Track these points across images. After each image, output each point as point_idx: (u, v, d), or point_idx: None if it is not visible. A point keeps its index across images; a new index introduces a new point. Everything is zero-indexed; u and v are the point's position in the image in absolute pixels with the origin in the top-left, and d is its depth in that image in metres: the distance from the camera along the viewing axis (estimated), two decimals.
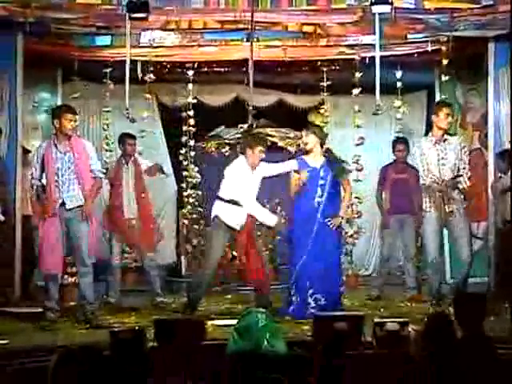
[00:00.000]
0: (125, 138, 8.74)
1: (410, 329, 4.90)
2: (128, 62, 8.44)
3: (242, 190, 7.63)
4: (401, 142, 9.39)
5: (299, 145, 10.56)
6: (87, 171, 7.38)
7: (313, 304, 7.48)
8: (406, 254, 9.15)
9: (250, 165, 7.72)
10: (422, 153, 7.80)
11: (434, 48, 9.48)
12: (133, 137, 8.81)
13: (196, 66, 10.18)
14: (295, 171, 7.68)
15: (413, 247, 9.11)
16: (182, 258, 10.44)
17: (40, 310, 7.59)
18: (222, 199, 7.75)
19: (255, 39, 8.86)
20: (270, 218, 7.82)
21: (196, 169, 10.51)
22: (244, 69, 9.47)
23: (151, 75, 9.83)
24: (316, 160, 7.74)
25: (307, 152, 7.78)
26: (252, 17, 8.20)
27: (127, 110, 8.63)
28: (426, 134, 10.78)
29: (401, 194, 9.03)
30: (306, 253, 7.55)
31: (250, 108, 9.11)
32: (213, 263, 7.83)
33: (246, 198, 7.64)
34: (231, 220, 7.71)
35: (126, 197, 8.52)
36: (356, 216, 10.40)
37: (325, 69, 10.43)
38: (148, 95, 10.19)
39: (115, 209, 8.48)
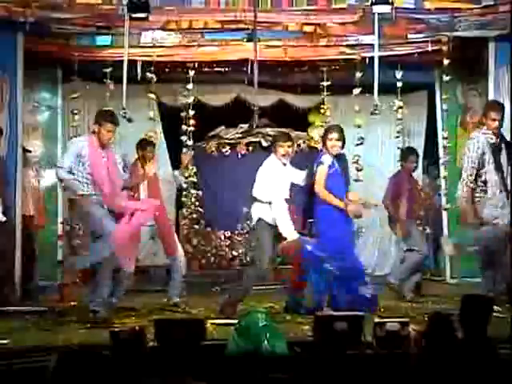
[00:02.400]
0: (144, 144, 8.70)
1: (410, 329, 4.90)
2: (126, 62, 8.43)
3: (274, 190, 7.59)
4: (413, 153, 9.20)
5: (299, 145, 10.62)
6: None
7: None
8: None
9: (279, 161, 7.71)
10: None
11: (434, 48, 9.49)
12: (153, 144, 8.80)
13: (196, 65, 10.17)
14: (329, 166, 7.58)
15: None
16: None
17: (42, 309, 7.63)
18: (259, 201, 7.69)
19: (257, 39, 8.87)
20: (290, 233, 7.55)
21: (196, 169, 10.52)
22: (244, 69, 9.49)
23: (153, 75, 9.84)
24: (337, 160, 7.72)
25: (334, 155, 7.69)
26: (255, 17, 8.19)
27: (124, 109, 8.63)
28: (427, 134, 10.85)
29: (409, 203, 8.99)
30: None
31: (256, 108, 9.10)
32: (263, 266, 7.70)
33: (277, 200, 7.57)
34: (273, 219, 7.64)
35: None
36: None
37: (325, 69, 10.41)
38: (152, 95, 10.21)
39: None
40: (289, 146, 7.76)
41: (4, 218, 8.22)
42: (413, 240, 8.91)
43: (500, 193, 7.73)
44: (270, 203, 7.58)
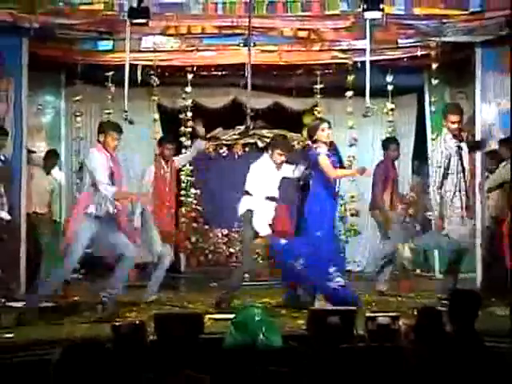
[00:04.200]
0: (163, 143, 8.75)
1: (400, 323, 4.90)
2: (127, 66, 8.43)
3: (259, 187, 7.59)
4: (394, 142, 9.34)
5: (294, 145, 10.62)
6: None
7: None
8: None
9: (273, 163, 7.71)
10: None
11: (423, 53, 9.53)
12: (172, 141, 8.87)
13: (195, 69, 10.19)
14: (327, 155, 7.50)
15: None
16: (181, 255, 10.43)
17: (48, 304, 7.62)
18: (249, 194, 7.69)
19: (252, 44, 8.86)
20: (262, 229, 7.62)
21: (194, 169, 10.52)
22: (241, 72, 9.49)
23: (156, 79, 9.87)
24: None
25: (328, 144, 7.67)
26: (249, 22, 8.18)
27: (126, 112, 8.62)
28: (416, 135, 10.87)
29: (393, 190, 9.06)
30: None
31: (248, 110, 9.11)
32: (248, 259, 7.73)
33: (258, 196, 7.59)
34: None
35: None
36: (353, 214, 10.43)
37: (318, 72, 10.45)
38: (155, 97, 10.24)
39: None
40: (286, 156, 7.77)
41: (9, 217, 8.24)
42: (391, 229, 8.95)
43: (458, 199, 7.64)
44: (256, 198, 7.60)
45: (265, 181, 7.63)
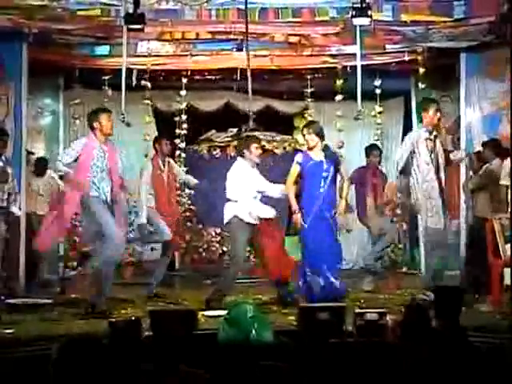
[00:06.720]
0: (161, 139, 8.74)
1: (387, 318, 4.92)
2: (124, 70, 8.42)
3: (242, 189, 7.60)
4: (375, 149, 9.41)
5: (285, 147, 10.64)
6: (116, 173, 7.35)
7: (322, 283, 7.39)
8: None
9: (250, 163, 7.71)
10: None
11: (410, 58, 9.57)
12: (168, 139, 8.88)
13: (189, 73, 10.21)
14: (298, 163, 7.55)
15: None
16: (176, 253, 10.42)
17: (47, 301, 7.62)
18: (232, 201, 7.68)
19: (244, 49, 8.87)
20: (268, 212, 7.64)
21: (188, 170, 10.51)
22: (234, 76, 9.51)
23: (148, 83, 9.88)
24: (317, 154, 7.65)
25: (310, 148, 7.66)
26: (246, 29, 8.18)
27: (122, 114, 8.62)
28: (403, 137, 10.88)
29: (375, 193, 9.10)
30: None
31: (251, 113, 9.15)
32: (240, 261, 7.70)
33: (242, 195, 7.59)
34: (247, 217, 7.62)
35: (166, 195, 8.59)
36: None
37: (309, 76, 10.50)
38: (147, 101, 10.24)
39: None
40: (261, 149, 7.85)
41: (19, 213, 8.26)
42: (380, 231, 9.00)
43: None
44: (241, 201, 7.59)
45: (244, 183, 7.62)
